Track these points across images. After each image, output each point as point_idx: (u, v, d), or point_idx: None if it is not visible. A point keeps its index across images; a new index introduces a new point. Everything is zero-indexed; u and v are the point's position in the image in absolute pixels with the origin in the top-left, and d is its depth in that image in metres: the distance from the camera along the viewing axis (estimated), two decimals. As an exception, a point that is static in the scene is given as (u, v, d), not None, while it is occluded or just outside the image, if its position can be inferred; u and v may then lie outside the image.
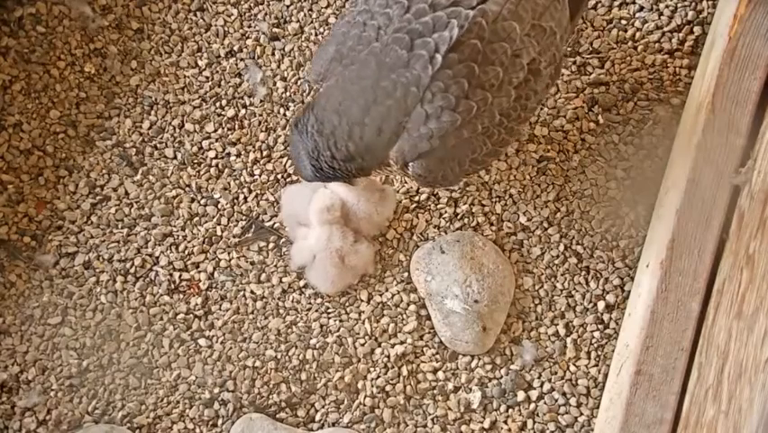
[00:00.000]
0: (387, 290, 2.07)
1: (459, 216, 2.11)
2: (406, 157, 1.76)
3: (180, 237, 2.10)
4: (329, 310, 2.06)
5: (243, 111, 2.17)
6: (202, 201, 2.12)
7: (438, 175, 1.80)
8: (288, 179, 2.13)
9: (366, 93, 1.73)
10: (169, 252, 2.09)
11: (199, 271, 2.08)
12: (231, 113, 2.17)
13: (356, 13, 1.80)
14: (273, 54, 2.20)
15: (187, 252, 2.09)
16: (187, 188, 2.13)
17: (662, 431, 1.85)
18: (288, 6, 2.23)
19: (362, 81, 1.73)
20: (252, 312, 2.06)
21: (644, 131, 2.15)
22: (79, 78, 2.18)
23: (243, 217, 2.11)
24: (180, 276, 2.08)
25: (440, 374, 2.03)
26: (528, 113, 1.83)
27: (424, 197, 2.11)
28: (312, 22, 2.22)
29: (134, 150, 2.15)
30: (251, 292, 2.07)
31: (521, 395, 2.02)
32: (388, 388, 2.02)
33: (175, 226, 2.11)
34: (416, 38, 1.71)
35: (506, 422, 2.02)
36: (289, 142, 1.87)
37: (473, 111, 1.72)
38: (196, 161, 2.14)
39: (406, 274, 2.08)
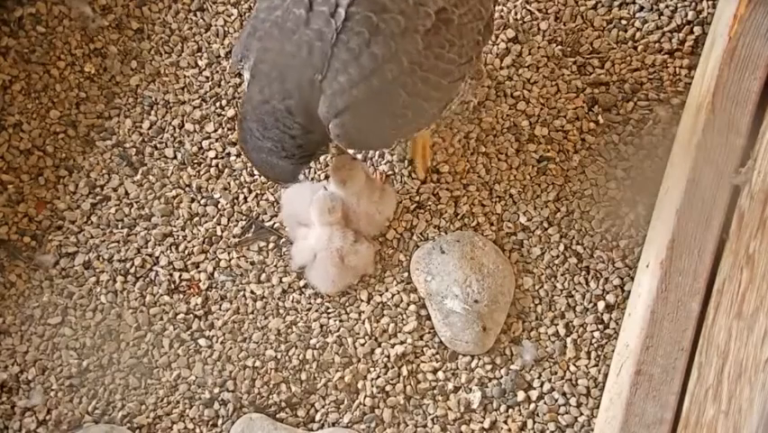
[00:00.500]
0: (387, 290, 2.07)
1: (459, 216, 2.11)
2: (328, 117, 1.73)
3: (180, 237, 2.10)
4: (329, 310, 2.06)
5: (243, 111, 2.17)
6: (202, 201, 2.12)
7: (359, 132, 1.77)
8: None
9: (276, 65, 1.72)
10: (169, 252, 2.09)
11: (199, 271, 2.08)
12: (231, 113, 2.17)
13: None
14: (273, 54, 2.20)
15: (187, 252, 2.09)
16: (187, 188, 2.13)
17: (662, 431, 1.84)
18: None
19: (269, 54, 1.73)
20: (252, 312, 2.06)
21: (644, 131, 2.15)
22: (79, 78, 2.18)
23: (243, 217, 2.11)
24: (180, 276, 2.08)
25: (440, 374, 2.03)
26: (449, 64, 1.79)
27: (424, 197, 2.11)
28: (312, 22, 2.22)
29: (134, 150, 2.15)
30: (251, 292, 2.07)
31: (521, 395, 2.02)
32: (388, 388, 2.02)
33: (175, 226, 2.11)
34: None
35: (506, 422, 2.02)
36: (252, 164, 1.86)
37: (378, 59, 1.70)
38: (196, 161, 2.14)
39: (406, 274, 2.07)
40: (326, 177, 2.11)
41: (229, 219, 2.11)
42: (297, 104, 1.72)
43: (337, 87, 1.70)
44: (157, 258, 2.09)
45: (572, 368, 2.04)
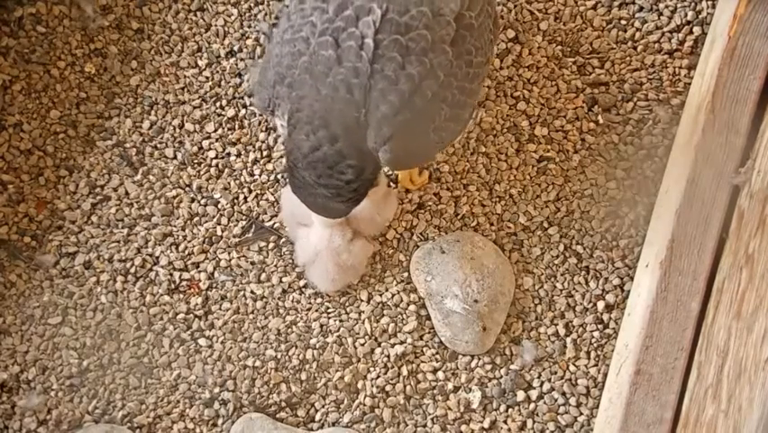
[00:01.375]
0: (387, 290, 2.07)
1: (459, 216, 2.11)
2: (376, 147, 1.73)
3: (180, 237, 2.10)
4: (329, 310, 2.06)
5: (243, 111, 2.17)
6: (202, 201, 2.12)
7: (408, 154, 1.78)
8: (288, 179, 2.12)
9: (315, 111, 1.70)
10: (169, 252, 2.09)
11: (199, 271, 2.08)
12: (231, 113, 2.17)
13: (282, 31, 1.77)
14: (273, 54, 2.20)
15: (187, 252, 2.09)
16: (187, 188, 2.13)
17: (662, 431, 1.84)
18: (287, 6, 2.23)
19: (306, 101, 1.71)
20: (252, 312, 2.06)
21: (644, 131, 2.15)
22: (79, 78, 2.19)
23: (243, 217, 2.11)
24: (180, 276, 2.08)
25: (440, 374, 2.03)
26: (476, 68, 1.80)
27: (425, 197, 2.11)
28: (312, 22, 2.22)
29: (134, 150, 2.15)
30: (251, 292, 2.07)
31: (521, 395, 2.02)
32: (388, 388, 2.02)
33: (175, 226, 2.11)
34: (340, 35, 1.68)
35: (506, 422, 2.02)
36: (304, 203, 1.85)
37: (415, 79, 1.69)
38: (196, 161, 2.15)
39: (406, 274, 2.08)
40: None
41: (229, 219, 2.11)
42: (346, 145, 1.71)
43: (381, 117, 1.69)
44: (157, 258, 2.09)
45: (572, 368, 2.04)
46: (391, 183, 2.12)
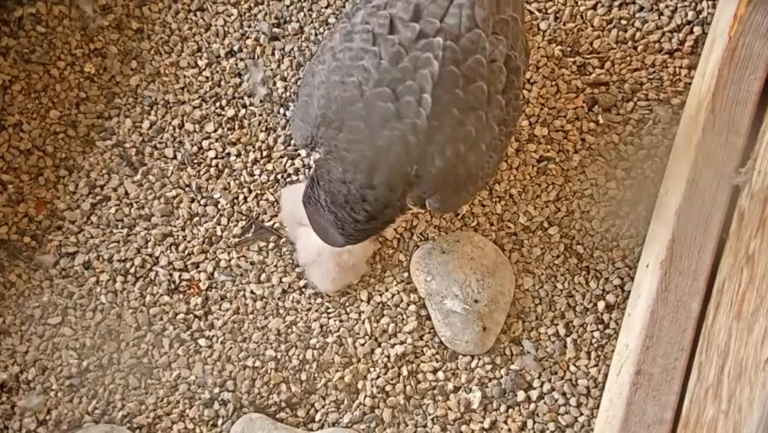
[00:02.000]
0: (387, 290, 2.07)
1: (459, 216, 2.11)
2: (423, 198, 1.72)
3: (180, 237, 2.10)
4: (329, 310, 2.06)
5: (243, 111, 2.17)
6: (202, 201, 2.12)
7: (456, 201, 1.78)
8: (287, 179, 2.13)
9: (366, 157, 1.68)
10: (169, 252, 2.09)
11: (199, 271, 2.08)
12: (231, 113, 2.17)
13: (328, 70, 1.73)
14: (273, 54, 2.20)
15: (187, 252, 2.09)
16: (187, 188, 2.13)
17: (662, 431, 1.85)
18: (287, 6, 2.23)
19: (358, 146, 1.68)
20: (252, 312, 2.06)
21: (644, 131, 2.15)
22: (79, 78, 2.18)
23: (243, 217, 2.11)
24: (180, 276, 2.08)
25: (440, 374, 2.03)
26: (520, 110, 1.80)
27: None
28: (312, 22, 2.22)
29: (134, 150, 2.15)
30: (251, 292, 2.07)
31: (521, 395, 2.02)
32: (388, 388, 2.02)
33: (175, 226, 2.11)
34: (397, 86, 1.65)
35: (506, 422, 2.02)
36: (308, 218, 1.85)
37: (472, 135, 1.68)
38: (196, 161, 2.14)
39: (406, 274, 2.08)
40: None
41: (229, 219, 2.11)
42: (376, 194, 1.69)
43: (435, 171, 1.68)
44: (157, 258, 2.09)
45: (572, 368, 2.04)
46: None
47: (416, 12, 1.68)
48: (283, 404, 2.01)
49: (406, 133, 1.65)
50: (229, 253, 2.09)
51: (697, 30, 2.20)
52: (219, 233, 2.10)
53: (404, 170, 1.68)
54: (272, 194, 2.12)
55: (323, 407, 2.01)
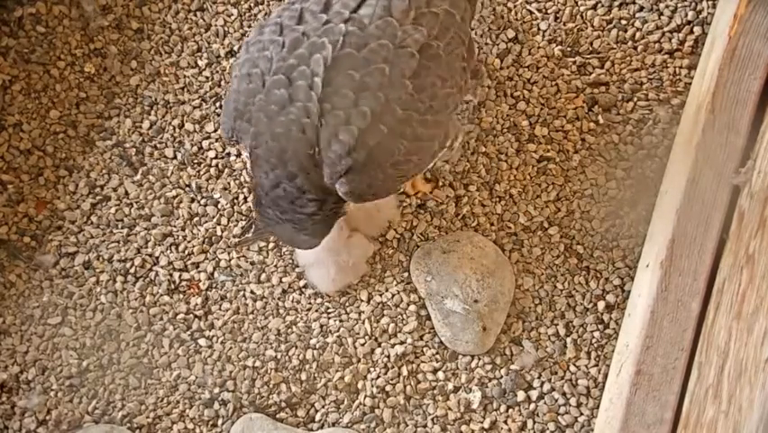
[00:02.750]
0: (387, 290, 2.07)
1: (459, 216, 2.11)
2: (332, 182, 1.71)
3: (180, 237, 2.10)
4: (329, 310, 2.06)
5: (243, 111, 2.17)
6: (202, 201, 2.12)
7: (366, 188, 1.74)
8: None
9: (271, 148, 1.69)
10: (169, 252, 2.09)
11: (199, 272, 2.08)
12: (231, 113, 2.17)
13: (240, 63, 1.75)
14: (273, 54, 2.20)
15: (187, 252, 2.09)
16: (187, 188, 2.13)
17: (663, 431, 1.84)
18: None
19: (262, 138, 1.70)
20: (252, 312, 2.06)
21: (644, 131, 2.15)
22: (79, 78, 2.18)
23: (243, 217, 2.11)
24: (180, 276, 2.08)
25: (440, 374, 2.03)
26: (443, 100, 1.75)
27: (426, 197, 2.11)
28: (312, 22, 2.22)
29: (134, 150, 2.15)
30: (251, 292, 2.07)
31: (521, 395, 2.02)
32: (388, 388, 2.02)
33: (175, 226, 2.11)
34: (292, 72, 1.66)
35: (506, 422, 2.02)
36: (277, 236, 1.89)
37: (368, 116, 1.66)
38: (196, 161, 2.14)
39: (406, 274, 2.07)
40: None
41: (229, 219, 2.11)
42: (304, 181, 1.70)
43: (334, 156, 1.67)
44: (157, 258, 2.09)
45: (572, 368, 2.04)
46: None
47: (327, 4, 1.70)
48: (283, 404, 2.01)
49: (300, 117, 1.66)
50: (229, 253, 2.09)
51: (697, 30, 2.20)
52: (219, 233, 2.10)
53: (307, 151, 1.68)
54: (272, 194, 2.12)
55: (323, 407, 2.01)
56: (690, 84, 2.15)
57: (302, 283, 2.07)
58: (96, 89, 2.18)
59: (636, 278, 2.04)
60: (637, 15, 2.23)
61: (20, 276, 2.07)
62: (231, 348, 2.04)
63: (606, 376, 2.02)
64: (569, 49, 2.21)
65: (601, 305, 2.06)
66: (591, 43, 2.21)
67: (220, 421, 2.00)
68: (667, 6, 2.22)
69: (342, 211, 1.84)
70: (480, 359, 2.04)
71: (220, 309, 2.06)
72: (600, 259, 2.09)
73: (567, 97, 2.18)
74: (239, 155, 2.14)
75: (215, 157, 2.14)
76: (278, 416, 2.01)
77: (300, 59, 1.67)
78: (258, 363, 2.03)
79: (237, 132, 1.75)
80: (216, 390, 2.01)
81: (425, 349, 2.04)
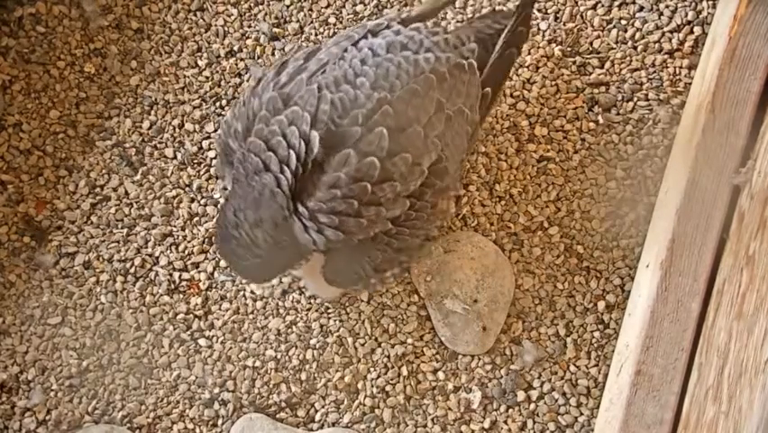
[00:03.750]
0: (387, 291, 2.07)
1: (459, 216, 2.11)
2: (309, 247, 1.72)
3: (180, 237, 2.10)
4: (329, 310, 2.06)
5: (243, 111, 2.17)
6: (202, 201, 2.12)
7: (340, 281, 1.80)
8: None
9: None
10: (169, 252, 2.09)
11: (199, 272, 2.08)
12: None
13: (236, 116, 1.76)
14: (273, 54, 2.20)
15: (187, 252, 2.09)
16: (187, 188, 2.13)
17: (662, 431, 1.85)
18: (287, 6, 2.23)
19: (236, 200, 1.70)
20: (252, 312, 2.06)
21: (644, 131, 2.15)
22: (79, 78, 2.18)
23: (243, 218, 2.11)
24: (180, 276, 2.08)
25: (440, 374, 2.04)
26: (439, 215, 1.80)
27: (424, 197, 2.11)
28: (312, 22, 2.22)
29: (134, 150, 2.15)
30: (251, 292, 2.07)
31: (521, 395, 2.02)
32: (388, 388, 2.02)
33: (175, 226, 2.11)
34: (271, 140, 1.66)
35: (506, 422, 2.02)
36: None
37: (362, 226, 1.66)
38: (196, 161, 2.14)
39: (406, 274, 2.07)
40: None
41: (229, 219, 2.11)
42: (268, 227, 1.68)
43: (305, 240, 1.68)
44: (157, 258, 2.09)
45: (572, 368, 2.04)
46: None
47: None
48: (283, 404, 2.01)
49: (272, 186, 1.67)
50: (229, 253, 2.08)
51: (697, 30, 2.20)
52: (219, 233, 2.10)
53: (276, 217, 1.67)
54: (272, 194, 2.12)
55: (323, 407, 2.02)
56: (690, 84, 2.15)
57: (302, 283, 2.07)
58: (96, 89, 2.18)
59: (636, 278, 2.04)
60: (637, 15, 2.23)
61: (20, 276, 2.07)
62: (231, 348, 2.04)
63: (606, 376, 2.02)
64: (569, 49, 2.21)
65: (601, 305, 2.06)
66: (591, 43, 2.21)
67: (220, 421, 2.00)
68: (667, 6, 2.22)
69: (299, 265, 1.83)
70: (479, 359, 2.04)
71: (220, 309, 2.06)
72: (600, 259, 2.09)
73: (567, 97, 2.18)
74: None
75: (215, 157, 2.14)
76: (278, 416, 2.01)
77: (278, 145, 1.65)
78: (258, 364, 2.03)
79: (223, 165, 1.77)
80: (216, 390, 2.01)
81: (425, 349, 2.05)
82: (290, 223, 1.67)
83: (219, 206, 1.79)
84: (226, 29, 2.22)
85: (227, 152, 1.75)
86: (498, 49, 1.83)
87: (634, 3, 2.23)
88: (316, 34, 2.21)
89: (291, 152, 1.63)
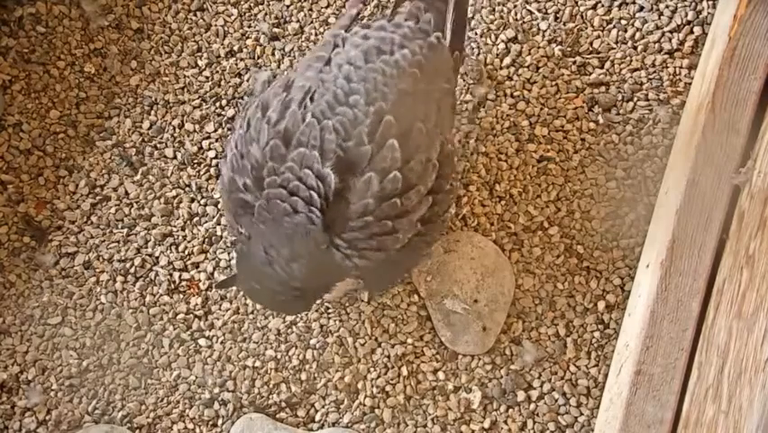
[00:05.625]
0: (387, 291, 2.07)
1: (459, 216, 2.11)
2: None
3: (180, 237, 2.10)
4: (329, 310, 2.06)
5: (243, 111, 2.17)
6: (202, 201, 2.12)
7: (384, 286, 1.90)
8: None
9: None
10: (169, 252, 2.09)
11: (199, 272, 2.08)
12: (231, 113, 2.17)
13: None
14: (273, 54, 2.20)
15: (187, 252, 2.09)
16: (187, 188, 2.13)
17: (662, 431, 1.85)
18: (287, 6, 2.23)
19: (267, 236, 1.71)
20: (252, 312, 2.06)
21: (644, 131, 2.15)
22: (79, 78, 2.18)
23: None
24: (180, 276, 2.08)
25: (440, 374, 2.04)
26: (452, 183, 1.81)
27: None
28: (312, 22, 2.22)
29: (134, 150, 2.15)
30: (251, 292, 2.07)
31: (521, 395, 2.02)
32: (388, 388, 2.02)
33: (175, 226, 2.11)
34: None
35: (506, 422, 2.02)
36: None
37: (399, 240, 1.70)
38: (196, 161, 2.14)
39: (406, 275, 2.07)
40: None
41: (229, 219, 2.11)
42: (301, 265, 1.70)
43: (363, 263, 1.71)
44: (157, 258, 2.09)
45: (572, 368, 2.04)
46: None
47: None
48: (283, 404, 2.01)
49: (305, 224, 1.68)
50: (229, 253, 2.08)
51: (697, 30, 2.20)
52: (219, 233, 2.10)
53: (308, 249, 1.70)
54: (272, 194, 2.12)
55: (323, 407, 2.02)
56: (690, 84, 2.15)
57: (302, 283, 2.07)
58: (96, 89, 2.18)
59: (636, 278, 2.04)
60: (637, 15, 2.23)
61: (20, 276, 2.07)
62: (231, 348, 2.04)
63: (606, 376, 2.02)
64: (569, 49, 2.21)
65: (601, 305, 2.06)
66: (591, 43, 2.21)
67: (220, 421, 2.00)
68: (667, 6, 2.23)
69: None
70: (479, 359, 2.04)
71: (220, 309, 2.06)
72: (600, 259, 2.09)
73: (567, 97, 2.18)
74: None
75: (215, 157, 2.14)
76: (278, 416, 2.01)
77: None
78: (258, 364, 2.03)
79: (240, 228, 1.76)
80: (216, 390, 2.01)
81: (425, 349, 2.05)
82: (330, 253, 1.68)
83: (237, 249, 1.83)
84: (226, 29, 2.22)
85: (240, 204, 1.73)
86: (452, 10, 1.83)
87: (634, 3, 2.23)
88: (316, 34, 2.21)
89: (312, 192, 1.63)
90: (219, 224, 2.11)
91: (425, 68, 1.74)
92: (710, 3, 2.20)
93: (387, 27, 1.78)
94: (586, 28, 2.23)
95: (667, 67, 2.19)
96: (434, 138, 1.72)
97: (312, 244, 1.67)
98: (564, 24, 2.22)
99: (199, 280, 2.08)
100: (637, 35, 2.21)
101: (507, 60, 2.19)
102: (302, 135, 1.66)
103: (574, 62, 2.20)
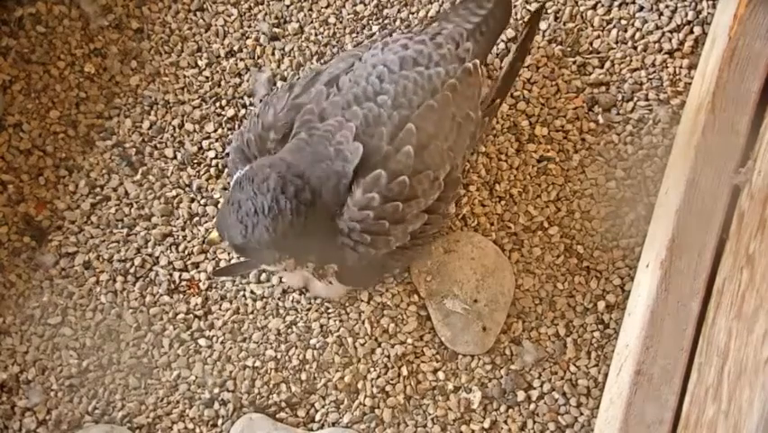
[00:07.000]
0: (387, 291, 2.07)
1: (459, 216, 2.11)
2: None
3: (180, 237, 2.10)
4: (329, 310, 2.06)
5: (243, 111, 2.17)
6: (202, 201, 2.12)
7: (357, 283, 1.93)
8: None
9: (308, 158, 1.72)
10: (169, 252, 2.09)
11: (199, 272, 2.08)
12: (231, 113, 2.17)
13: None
14: (273, 54, 2.20)
15: (187, 252, 2.09)
16: (187, 188, 2.13)
17: (662, 431, 1.85)
18: (287, 6, 2.23)
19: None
20: (252, 312, 2.06)
21: (644, 131, 2.15)
22: (79, 78, 2.18)
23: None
24: (180, 276, 2.08)
25: (440, 374, 2.03)
26: (447, 206, 1.87)
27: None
28: (312, 22, 2.22)
29: (134, 150, 2.15)
30: (251, 292, 2.07)
31: (521, 395, 2.02)
32: (388, 388, 2.02)
33: (175, 226, 2.11)
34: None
35: (506, 422, 2.02)
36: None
37: (389, 244, 1.75)
38: (196, 161, 2.14)
39: (406, 274, 2.07)
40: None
41: (229, 219, 2.11)
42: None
43: (334, 255, 1.77)
44: (157, 258, 2.09)
45: (572, 368, 2.04)
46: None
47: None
48: (283, 404, 2.01)
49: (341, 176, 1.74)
50: (229, 254, 2.08)
51: (697, 30, 2.20)
52: (219, 233, 2.10)
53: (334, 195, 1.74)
54: (272, 194, 2.12)
55: (323, 407, 2.02)
56: (690, 84, 2.15)
57: (293, 283, 2.07)
58: (96, 89, 2.18)
59: (636, 278, 2.04)
60: (637, 15, 2.22)
61: (20, 276, 2.07)
62: (231, 348, 2.04)
63: (606, 376, 2.02)
64: (569, 49, 2.21)
65: (601, 305, 2.06)
66: (591, 43, 2.21)
67: (220, 421, 2.00)
68: (667, 6, 2.22)
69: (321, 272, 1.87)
70: (479, 359, 2.04)
71: (220, 309, 2.06)
72: (600, 259, 2.09)
73: (567, 97, 2.18)
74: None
75: (215, 157, 2.14)
76: (278, 416, 2.01)
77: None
78: (258, 364, 2.03)
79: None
80: (216, 390, 2.01)
81: (425, 349, 2.05)
82: (334, 225, 1.72)
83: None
84: (226, 29, 2.22)
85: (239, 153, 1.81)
86: (508, 64, 1.96)
87: (634, 3, 2.23)
88: (316, 34, 2.21)
89: (349, 154, 1.69)
90: (219, 224, 2.11)
91: (457, 92, 1.80)
92: (710, 3, 2.20)
93: (427, 43, 1.83)
94: (586, 28, 2.22)
95: (667, 67, 2.19)
96: (447, 160, 1.78)
97: (335, 198, 1.69)
98: (564, 24, 2.22)
99: (199, 281, 2.08)
100: (637, 35, 2.21)
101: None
102: (330, 108, 1.74)
103: (574, 62, 2.20)
